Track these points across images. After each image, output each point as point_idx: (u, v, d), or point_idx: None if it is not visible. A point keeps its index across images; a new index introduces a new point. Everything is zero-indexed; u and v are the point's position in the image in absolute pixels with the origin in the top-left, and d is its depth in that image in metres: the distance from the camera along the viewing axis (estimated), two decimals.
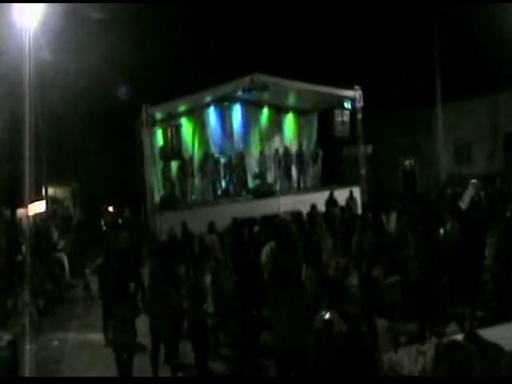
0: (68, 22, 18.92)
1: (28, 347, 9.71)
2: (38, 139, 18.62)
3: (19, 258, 15.07)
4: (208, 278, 9.91)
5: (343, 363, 7.50)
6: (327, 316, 8.21)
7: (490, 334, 6.55)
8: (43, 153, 19.70)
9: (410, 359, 7.39)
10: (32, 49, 13.71)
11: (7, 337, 9.52)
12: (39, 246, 15.32)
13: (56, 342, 10.93)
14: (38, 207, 18.19)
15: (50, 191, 22.47)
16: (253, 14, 28.00)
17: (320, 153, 24.06)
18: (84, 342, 11.25)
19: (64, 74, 21.23)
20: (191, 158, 21.90)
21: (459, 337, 6.92)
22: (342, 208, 17.51)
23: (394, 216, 14.05)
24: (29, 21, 13.62)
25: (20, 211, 20.05)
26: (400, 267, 10.26)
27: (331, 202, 18.57)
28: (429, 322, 9.24)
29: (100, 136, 27.71)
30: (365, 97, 21.01)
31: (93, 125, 26.99)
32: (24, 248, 15.64)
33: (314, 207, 16.10)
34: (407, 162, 27.47)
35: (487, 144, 24.80)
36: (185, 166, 21.28)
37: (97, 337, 11.19)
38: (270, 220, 16.07)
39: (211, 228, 14.35)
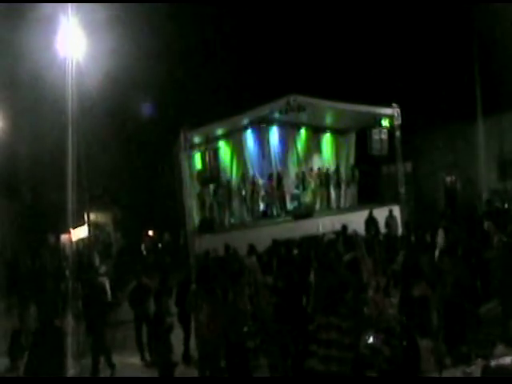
0: (108, 50, 19.38)
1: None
2: (80, 166, 18.99)
3: (63, 283, 15.32)
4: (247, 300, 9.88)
5: None
6: (371, 340, 8.09)
7: None
8: (85, 179, 20.05)
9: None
10: (74, 78, 14.08)
11: None
12: (82, 271, 15.52)
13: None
14: (80, 233, 18.51)
15: (92, 217, 22.84)
16: (289, 35, 28.17)
17: (357, 172, 23.88)
18: (123, 365, 11.34)
19: (102, 100, 21.66)
20: (229, 181, 21.99)
21: (508, 359, 6.74)
22: (377, 229, 17.32)
23: (440, 233, 13.82)
24: (72, 51, 14.00)
25: (64, 237, 20.45)
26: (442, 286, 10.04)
27: (371, 221, 18.36)
28: (474, 343, 9.00)
29: (139, 161, 28.09)
30: (404, 113, 20.80)
31: (132, 150, 27.41)
32: (67, 273, 15.94)
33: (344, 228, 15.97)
34: (448, 179, 27.00)
35: None
36: (223, 189, 21.37)
37: (136, 360, 11.33)
38: (309, 241, 15.98)
39: (251, 250, 14.32)
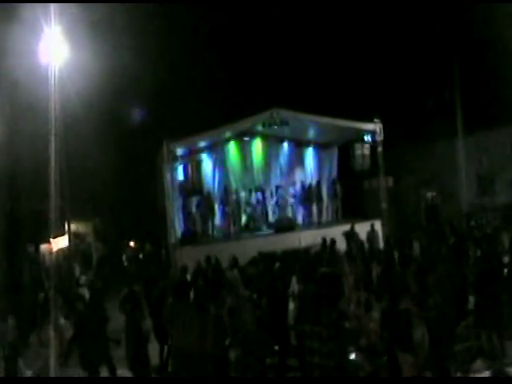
0: (90, 55, 19.30)
1: None
2: (61, 175, 18.84)
3: (41, 295, 15.18)
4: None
5: None
6: (352, 356, 8.15)
7: None
8: (66, 189, 19.90)
9: None
10: (56, 86, 13.99)
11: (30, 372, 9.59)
12: (62, 281, 15.39)
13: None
14: (60, 243, 18.33)
15: (73, 227, 22.67)
16: (272, 49, 28.35)
17: (339, 186, 24.02)
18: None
19: (85, 110, 21.57)
20: (212, 193, 21.99)
21: (486, 373, 6.82)
22: (361, 243, 17.38)
23: (416, 246, 13.95)
24: (54, 57, 13.90)
25: (43, 247, 20.24)
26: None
27: (352, 235, 18.45)
28: (453, 358, 9.06)
29: (121, 172, 27.99)
30: (385, 130, 20.97)
31: (114, 161, 27.29)
32: (47, 284, 15.79)
33: (333, 243, 16.03)
34: (429, 195, 27.28)
35: (510, 175, 24.55)
36: (205, 201, 21.38)
37: (121, 371, 11.18)
38: (291, 255, 16.03)
39: (233, 262, 14.33)
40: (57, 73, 14.00)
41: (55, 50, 13.81)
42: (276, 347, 9.71)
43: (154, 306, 11.44)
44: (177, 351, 9.14)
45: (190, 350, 9.01)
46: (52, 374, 9.94)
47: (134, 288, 12.05)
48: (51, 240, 15.86)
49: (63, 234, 20.68)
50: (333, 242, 16.02)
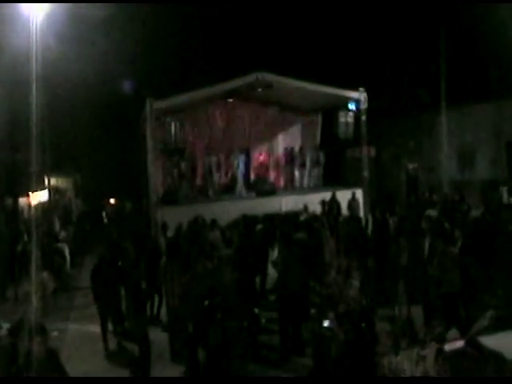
0: (74, 16, 18.93)
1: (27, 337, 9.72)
2: (42, 129, 18.60)
3: (20, 247, 15.10)
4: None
5: (343, 368, 7.57)
6: (326, 323, 8.25)
7: (491, 341, 6.59)
8: (47, 143, 19.67)
9: (410, 363, 7.44)
10: (38, 41, 13.71)
11: (7, 325, 9.55)
12: (41, 235, 15.31)
13: (55, 333, 10.90)
14: (40, 197, 18.23)
15: (53, 181, 22.48)
16: (261, 12, 28.05)
17: (322, 153, 24.05)
18: (83, 333, 11.30)
19: (69, 67, 21.23)
20: (193, 153, 21.87)
21: (460, 343, 6.97)
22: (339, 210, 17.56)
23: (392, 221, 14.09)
24: (35, 14, 13.62)
25: (22, 200, 20.08)
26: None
27: (333, 202, 18.56)
28: (429, 326, 9.23)
29: (104, 129, 27.74)
30: (369, 100, 20.98)
31: (97, 117, 27.02)
32: (25, 237, 15.70)
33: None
34: (410, 166, 27.48)
35: (490, 151, 24.82)
36: (187, 161, 21.27)
37: (94, 328, 11.28)
38: (273, 219, 16.13)
39: (213, 224, 14.38)
40: (39, 26, 13.74)
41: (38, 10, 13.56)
42: (256, 310, 9.80)
43: (146, 262, 11.52)
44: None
45: (175, 308, 9.17)
46: (28, 327, 9.98)
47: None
48: (30, 193, 15.71)
49: (43, 189, 20.52)
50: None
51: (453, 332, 9.20)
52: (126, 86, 27.16)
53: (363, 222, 15.84)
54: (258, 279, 12.11)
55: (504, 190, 18.50)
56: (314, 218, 14.98)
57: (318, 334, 8.34)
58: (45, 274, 12.64)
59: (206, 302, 9.36)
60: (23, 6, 13.85)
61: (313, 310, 9.81)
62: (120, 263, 11.38)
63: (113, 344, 10.65)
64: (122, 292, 10.65)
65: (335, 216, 16.53)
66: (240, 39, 28.43)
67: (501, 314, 9.47)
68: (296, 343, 9.75)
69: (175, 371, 9.14)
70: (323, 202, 17.56)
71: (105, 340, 10.72)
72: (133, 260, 11.68)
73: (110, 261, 11.15)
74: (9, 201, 20.45)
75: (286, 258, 10.27)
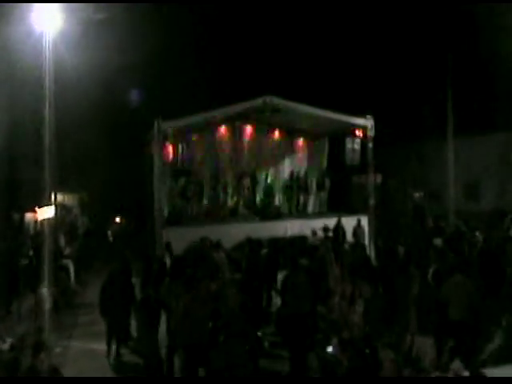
0: (86, 33, 19.16)
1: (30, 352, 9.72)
2: (50, 146, 18.71)
3: (25, 261, 15.15)
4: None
5: None
6: (330, 349, 8.24)
7: (496, 373, 6.58)
8: (54, 159, 19.75)
9: None
10: (50, 59, 13.87)
11: (10, 340, 9.56)
12: (46, 251, 15.35)
13: (58, 349, 10.91)
14: (46, 213, 18.24)
15: (59, 198, 22.55)
16: (272, 37, 28.34)
17: (328, 179, 24.12)
18: (86, 350, 11.29)
19: (78, 84, 21.40)
20: (200, 175, 21.96)
21: (465, 373, 6.96)
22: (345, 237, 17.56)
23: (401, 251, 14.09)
24: (47, 31, 13.79)
25: (28, 216, 20.15)
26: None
27: (339, 228, 18.59)
28: (433, 355, 9.20)
29: (111, 147, 27.88)
30: (377, 127, 21.05)
31: (105, 135, 27.16)
32: (31, 252, 15.75)
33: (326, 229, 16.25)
34: (416, 194, 27.50)
35: (497, 181, 24.87)
36: (193, 182, 21.36)
37: (98, 346, 11.31)
38: (277, 243, 16.14)
39: (218, 246, 14.42)
40: (50, 45, 13.92)
41: (49, 22, 13.71)
42: (259, 333, 9.79)
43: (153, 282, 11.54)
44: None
45: (178, 329, 9.17)
46: (32, 341, 9.99)
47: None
48: (37, 209, 15.76)
49: (49, 205, 20.55)
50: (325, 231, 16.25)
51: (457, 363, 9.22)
52: (133, 104, 27.37)
53: (368, 249, 15.86)
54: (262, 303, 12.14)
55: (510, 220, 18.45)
56: (319, 243, 15.02)
57: (323, 360, 8.33)
58: (44, 291, 12.61)
59: (210, 324, 9.38)
60: (36, 23, 14.00)
61: (318, 336, 9.82)
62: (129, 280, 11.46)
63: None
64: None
65: (340, 242, 16.52)
66: (249, 63, 28.69)
67: (505, 344, 9.48)
68: (300, 369, 9.71)
69: None
70: (325, 228, 17.51)
71: (109, 355, 10.77)
72: (142, 277, 11.70)
73: (120, 276, 11.23)
74: (16, 216, 20.56)
75: (292, 282, 10.26)
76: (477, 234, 15.89)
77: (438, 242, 14.35)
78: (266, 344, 10.06)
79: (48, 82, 13.95)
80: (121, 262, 12.15)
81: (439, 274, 10.41)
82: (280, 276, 11.50)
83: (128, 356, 10.97)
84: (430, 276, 10.81)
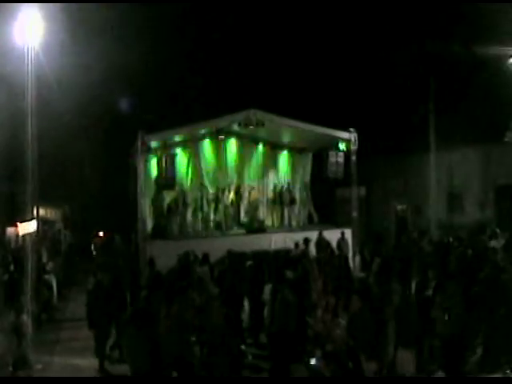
0: (69, 46, 19.12)
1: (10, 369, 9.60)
2: (32, 160, 18.58)
3: (5, 277, 14.98)
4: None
5: None
6: (313, 362, 8.23)
7: None
8: (35, 173, 19.60)
9: None
10: (33, 73, 13.82)
11: None
12: (28, 266, 15.21)
13: (40, 366, 10.78)
14: (28, 227, 18.11)
15: (42, 212, 22.36)
16: (255, 51, 28.49)
17: (311, 192, 24.20)
18: (69, 367, 11.19)
19: (61, 97, 21.30)
20: (184, 189, 21.91)
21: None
22: (332, 250, 17.53)
23: (377, 261, 14.14)
24: (30, 45, 13.74)
25: (10, 230, 19.97)
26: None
27: (322, 241, 18.62)
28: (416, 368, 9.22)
29: (95, 160, 27.77)
30: (360, 140, 21.17)
31: (88, 148, 27.07)
32: (12, 267, 15.58)
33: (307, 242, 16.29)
34: (399, 207, 27.66)
35: (479, 194, 25.11)
36: (178, 196, 21.31)
37: (81, 361, 11.23)
38: (261, 256, 16.12)
39: (204, 259, 14.38)
40: (33, 54, 13.85)
41: (32, 32, 13.65)
42: (243, 346, 9.76)
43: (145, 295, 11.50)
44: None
45: (159, 344, 9.09)
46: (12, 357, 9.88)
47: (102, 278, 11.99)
48: (18, 224, 15.62)
49: (31, 219, 20.38)
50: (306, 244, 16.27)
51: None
52: (120, 118, 27.30)
53: (352, 261, 15.91)
54: (245, 316, 12.09)
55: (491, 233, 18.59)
56: (302, 255, 15.05)
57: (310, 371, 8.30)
58: (26, 306, 12.47)
59: (193, 338, 9.34)
60: (18, 37, 13.91)
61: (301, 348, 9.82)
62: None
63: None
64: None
65: (323, 255, 16.53)
66: (234, 76, 28.80)
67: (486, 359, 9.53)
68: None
69: None
70: (306, 240, 17.49)
71: (102, 365, 10.74)
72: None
73: (110, 287, 11.24)
74: None
75: (281, 297, 10.23)
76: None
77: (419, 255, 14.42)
78: (250, 357, 10.01)
79: (30, 93, 13.87)
80: (111, 273, 12.11)
81: (422, 285, 10.48)
82: (266, 288, 11.47)
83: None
84: (413, 288, 10.89)
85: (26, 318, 12.35)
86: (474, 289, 10.20)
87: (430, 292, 10.51)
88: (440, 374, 9.01)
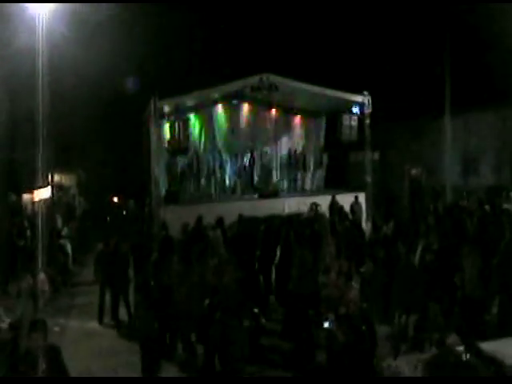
0: (79, 15, 18.95)
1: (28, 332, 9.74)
2: (46, 126, 18.61)
3: (22, 242, 15.18)
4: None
5: (342, 368, 7.56)
6: (326, 324, 8.26)
7: (491, 347, 6.60)
8: (50, 139, 19.66)
9: (409, 367, 7.43)
10: (44, 40, 13.75)
11: (9, 320, 9.62)
12: (43, 232, 15.37)
13: (56, 328, 10.95)
14: (43, 193, 18.26)
15: (56, 178, 22.50)
16: (267, 14, 28.09)
17: (325, 156, 24.09)
18: (84, 330, 11.35)
19: (74, 64, 21.22)
20: (198, 153, 21.89)
21: (460, 348, 6.98)
22: (345, 214, 17.50)
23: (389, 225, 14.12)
24: (40, 12, 13.65)
25: (25, 196, 20.12)
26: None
27: (335, 205, 18.58)
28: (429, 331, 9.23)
29: (108, 126, 27.74)
30: (374, 104, 20.96)
31: (101, 114, 27.02)
32: (28, 233, 15.75)
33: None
34: (414, 171, 27.44)
35: (494, 157, 24.83)
36: (191, 161, 21.30)
37: (96, 325, 11.42)
38: (274, 220, 16.14)
39: (217, 223, 14.45)
40: (44, 24, 13.78)
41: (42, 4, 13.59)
42: (255, 309, 9.81)
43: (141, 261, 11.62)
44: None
45: (175, 307, 9.21)
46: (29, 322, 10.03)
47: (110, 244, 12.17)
48: (34, 190, 15.72)
49: (46, 185, 20.52)
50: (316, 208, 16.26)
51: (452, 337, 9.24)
52: (131, 84, 27.16)
53: (365, 225, 15.88)
54: (260, 279, 12.16)
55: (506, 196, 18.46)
56: (314, 218, 15.08)
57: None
58: (42, 271, 12.66)
59: (206, 301, 9.41)
60: (29, 5, 13.84)
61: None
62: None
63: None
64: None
65: (337, 219, 16.51)
66: (245, 41, 28.45)
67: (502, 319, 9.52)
68: (306, 346, 9.75)
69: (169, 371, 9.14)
70: (315, 204, 17.42)
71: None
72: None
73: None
74: (12, 197, 20.51)
75: (299, 258, 10.29)
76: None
77: (430, 219, 14.32)
78: (263, 320, 10.06)
79: (41, 63, 13.83)
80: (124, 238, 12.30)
81: (429, 249, 10.46)
82: (278, 252, 11.51)
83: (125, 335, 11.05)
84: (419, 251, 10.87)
85: (43, 283, 12.58)
86: (495, 257, 10.10)
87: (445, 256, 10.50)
88: (452, 336, 9.00)
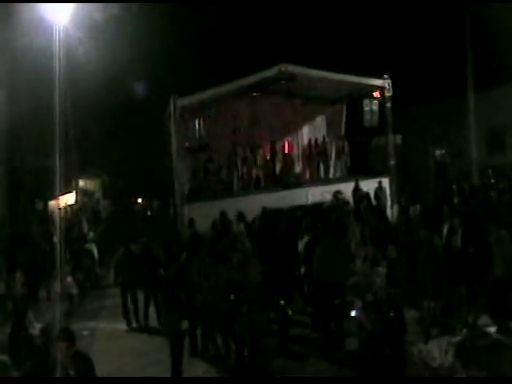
0: (96, 16, 19.06)
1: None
2: (69, 132, 18.82)
3: (49, 247, 15.34)
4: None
5: (373, 357, 7.45)
6: (353, 313, 8.16)
7: None
8: (74, 146, 19.88)
9: (440, 351, 7.30)
10: (62, 43, 13.81)
11: (40, 325, 9.72)
12: (70, 237, 15.55)
13: (85, 332, 11.05)
14: (68, 199, 18.54)
15: (81, 183, 22.74)
16: (283, 3, 27.92)
17: (347, 143, 23.88)
18: (112, 331, 11.43)
19: (93, 68, 21.37)
20: (219, 149, 21.86)
21: (492, 329, 6.82)
22: (369, 199, 17.33)
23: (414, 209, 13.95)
24: (58, 15, 13.70)
25: (51, 203, 20.34)
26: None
27: (358, 191, 18.40)
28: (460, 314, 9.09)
29: (129, 129, 27.91)
30: (394, 86, 20.68)
31: (121, 118, 27.20)
32: (55, 239, 15.89)
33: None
34: (438, 152, 27.05)
35: None
36: (212, 157, 21.29)
37: (124, 326, 11.52)
38: (297, 211, 16.05)
39: (239, 218, 14.41)
40: (62, 29, 13.84)
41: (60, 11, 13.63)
42: (281, 302, 9.76)
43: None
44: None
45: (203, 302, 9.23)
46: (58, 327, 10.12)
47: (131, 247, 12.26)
48: (59, 196, 15.89)
49: (71, 191, 20.76)
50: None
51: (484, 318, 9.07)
52: (150, 84, 27.28)
53: (390, 210, 15.68)
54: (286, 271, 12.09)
55: None
56: (337, 206, 14.96)
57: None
58: (69, 279, 12.78)
59: (232, 296, 9.38)
60: (47, 9, 13.91)
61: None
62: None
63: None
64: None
65: (361, 205, 16.36)
66: (261, 32, 28.32)
67: None
68: (335, 335, 9.67)
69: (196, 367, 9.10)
70: (338, 192, 17.25)
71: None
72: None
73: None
74: (39, 204, 20.78)
75: (323, 248, 10.19)
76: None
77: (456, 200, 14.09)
78: (290, 312, 9.99)
79: (60, 67, 13.89)
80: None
81: (453, 231, 10.29)
82: (302, 242, 11.42)
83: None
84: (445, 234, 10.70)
85: (71, 287, 12.71)
86: None
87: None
88: (484, 317, 8.84)
